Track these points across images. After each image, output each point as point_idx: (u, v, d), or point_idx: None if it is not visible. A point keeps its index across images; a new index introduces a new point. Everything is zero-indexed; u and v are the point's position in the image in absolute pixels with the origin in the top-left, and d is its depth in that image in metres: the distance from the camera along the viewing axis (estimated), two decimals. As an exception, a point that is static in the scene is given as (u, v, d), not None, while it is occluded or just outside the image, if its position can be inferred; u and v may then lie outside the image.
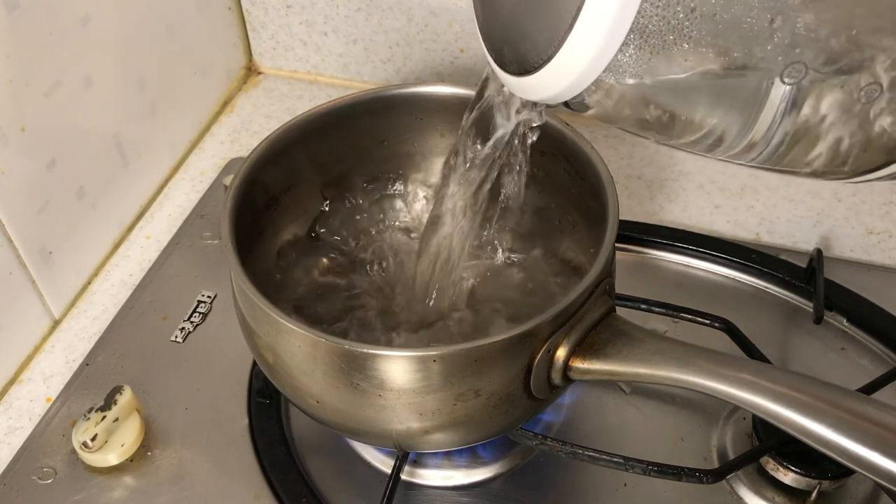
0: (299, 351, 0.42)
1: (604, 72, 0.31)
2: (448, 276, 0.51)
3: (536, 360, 0.41)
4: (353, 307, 0.53)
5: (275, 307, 0.42)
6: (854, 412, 0.37)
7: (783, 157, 0.34)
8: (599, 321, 0.43)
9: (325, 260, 0.55)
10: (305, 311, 0.52)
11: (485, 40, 0.38)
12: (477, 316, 0.52)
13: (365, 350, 0.40)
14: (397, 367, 0.40)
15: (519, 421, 0.45)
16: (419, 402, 0.41)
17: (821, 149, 0.33)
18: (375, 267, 0.55)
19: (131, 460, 0.52)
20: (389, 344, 0.50)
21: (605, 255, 0.43)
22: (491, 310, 0.52)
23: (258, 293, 0.42)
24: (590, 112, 0.35)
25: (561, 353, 0.41)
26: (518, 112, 0.43)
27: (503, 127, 0.44)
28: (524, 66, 0.34)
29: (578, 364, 0.42)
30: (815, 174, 0.35)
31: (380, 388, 0.41)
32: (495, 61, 0.37)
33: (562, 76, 0.32)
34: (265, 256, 0.52)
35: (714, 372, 0.40)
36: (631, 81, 0.31)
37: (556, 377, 0.42)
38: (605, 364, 0.42)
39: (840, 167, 0.34)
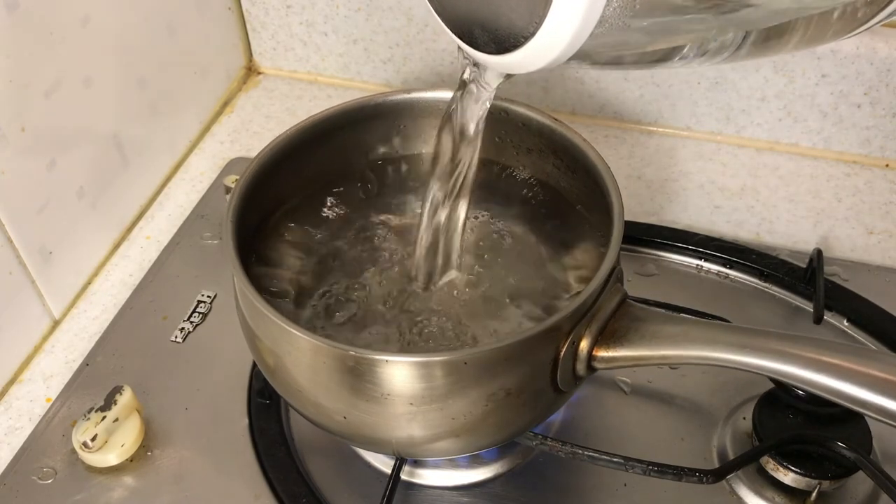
0: (310, 359, 0.42)
1: (593, 31, 0.30)
2: (448, 266, 0.51)
3: (562, 353, 0.42)
4: (358, 308, 0.53)
5: (279, 313, 0.41)
6: (886, 371, 0.38)
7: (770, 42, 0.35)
8: (616, 309, 0.43)
9: (327, 261, 0.55)
10: (308, 314, 0.52)
11: (448, 25, 0.37)
12: (487, 313, 0.52)
13: (420, 359, 0.41)
14: (425, 372, 0.40)
15: (544, 416, 0.46)
16: (450, 406, 0.41)
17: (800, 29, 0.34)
18: (378, 267, 0.55)
19: (131, 460, 0.52)
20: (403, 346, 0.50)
21: (615, 244, 0.43)
22: (497, 303, 0.52)
23: (261, 298, 0.42)
24: (578, 63, 0.34)
25: (584, 344, 0.42)
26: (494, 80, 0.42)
27: (484, 98, 0.43)
28: (505, 45, 0.33)
29: (603, 353, 0.42)
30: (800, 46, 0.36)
31: (408, 397, 0.41)
32: (468, 44, 0.36)
33: (552, 46, 0.31)
34: (267, 257, 0.52)
35: (742, 346, 0.40)
36: (619, 30, 0.31)
37: (581, 368, 0.43)
38: (630, 350, 0.42)
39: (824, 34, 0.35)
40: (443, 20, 0.38)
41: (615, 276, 0.43)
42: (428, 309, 0.52)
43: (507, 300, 0.52)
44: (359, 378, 0.41)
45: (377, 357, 0.40)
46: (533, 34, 0.31)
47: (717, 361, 0.41)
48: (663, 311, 0.44)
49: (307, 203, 0.54)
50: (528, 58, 0.33)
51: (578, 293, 0.42)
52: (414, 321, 0.52)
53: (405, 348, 0.50)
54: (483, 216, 0.54)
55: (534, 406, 0.43)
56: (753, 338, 0.41)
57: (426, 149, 0.55)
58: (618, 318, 0.43)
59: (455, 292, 0.52)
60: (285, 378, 0.44)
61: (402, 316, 0.52)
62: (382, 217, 0.57)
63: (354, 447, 0.52)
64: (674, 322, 0.43)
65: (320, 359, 0.41)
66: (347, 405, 0.42)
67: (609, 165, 0.47)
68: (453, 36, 0.37)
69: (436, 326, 0.51)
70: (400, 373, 0.40)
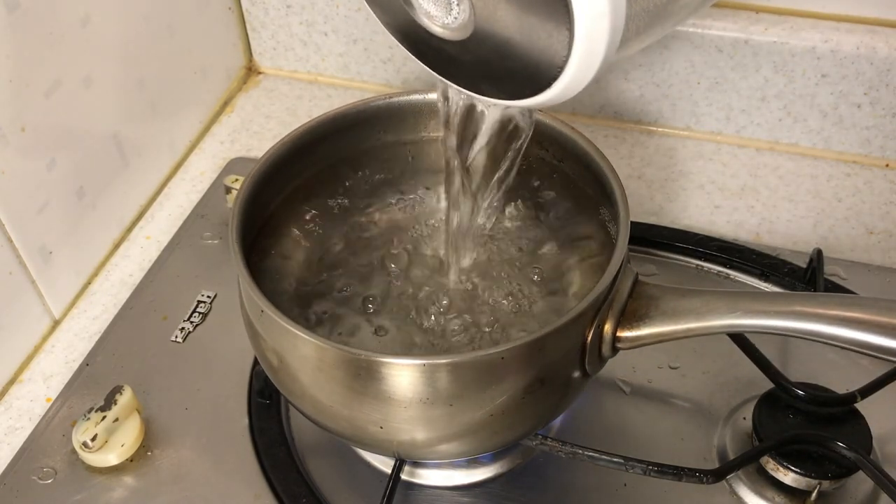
0: (317, 362, 0.42)
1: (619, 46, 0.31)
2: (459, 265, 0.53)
3: (588, 339, 0.42)
4: (365, 307, 0.53)
5: (283, 314, 0.41)
6: None
7: None
8: (633, 289, 0.44)
9: (332, 259, 0.55)
10: (313, 313, 0.52)
11: (457, 83, 0.38)
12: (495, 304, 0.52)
13: (458, 359, 0.41)
14: (466, 372, 0.40)
15: (571, 401, 0.47)
16: (487, 403, 0.41)
17: None
18: (385, 266, 0.55)
19: (131, 460, 0.52)
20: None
21: (625, 227, 0.44)
22: (505, 293, 0.53)
23: (265, 298, 0.42)
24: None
25: (608, 327, 0.43)
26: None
27: (489, 117, 0.44)
28: (535, 87, 0.34)
29: (626, 333, 0.43)
30: None
31: (451, 398, 0.41)
32: (480, 94, 0.37)
33: (580, 80, 0.32)
34: (271, 256, 0.52)
35: (766, 311, 0.41)
36: (645, 32, 0.31)
37: (606, 350, 0.44)
38: (653, 328, 0.43)
39: None
40: (453, 81, 0.38)
41: (626, 257, 0.44)
42: (436, 306, 0.53)
43: (515, 288, 0.53)
44: (376, 382, 0.41)
45: (417, 362, 0.40)
46: (556, 78, 0.32)
47: (742, 328, 0.42)
48: (676, 286, 0.44)
49: (311, 202, 0.54)
50: (563, 89, 0.33)
51: (597, 280, 0.43)
52: (423, 318, 0.52)
53: (421, 348, 0.51)
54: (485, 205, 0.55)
55: (565, 392, 0.44)
56: (775, 301, 0.42)
57: (431, 149, 0.55)
58: (635, 297, 0.44)
59: (464, 285, 0.53)
60: (290, 378, 0.44)
61: (410, 315, 0.52)
62: (388, 216, 0.57)
63: (354, 448, 0.52)
64: (692, 295, 0.43)
65: (327, 361, 0.41)
66: (383, 413, 0.42)
67: (601, 150, 0.48)
68: (466, 93, 0.38)
69: (448, 323, 0.52)
70: (434, 375, 0.40)
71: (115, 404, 0.51)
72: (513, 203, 0.55)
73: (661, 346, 0.45)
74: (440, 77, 0.39)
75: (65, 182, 0.59)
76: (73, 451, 0.51)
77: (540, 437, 0.48)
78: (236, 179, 0.64)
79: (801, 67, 0.67)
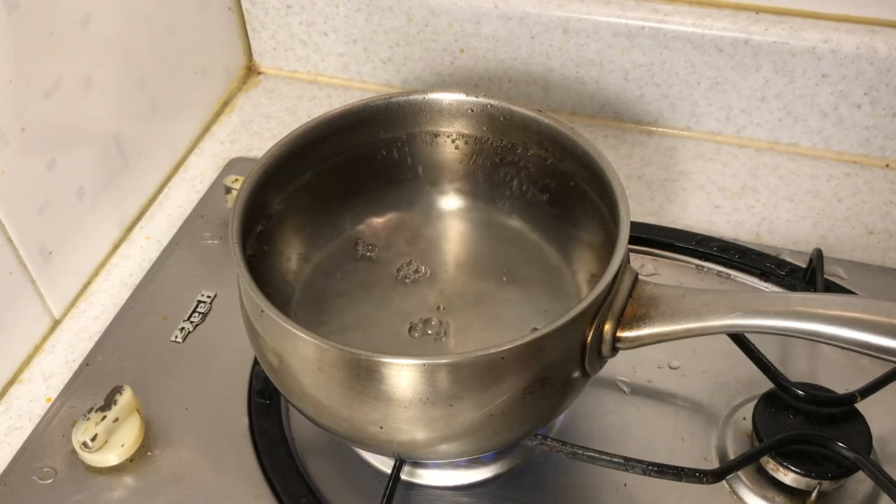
0: (317, 362, 0.42)
1: None
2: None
3: (589, 338, 0.42)
4: (363, 306, 0.53)
5: (284, 314, 0.41)
6: None
7: None
8: (633, 289, 0.44)
9: (332, 260, 0.55)
10: (313, 313, 0.52)
11: None
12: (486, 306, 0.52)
13: (460, 359, 0.41)
14: (466, 372, 0.40)
15: (571, 401, 0.46)
16: (487, 403, 0.41)
17: None
18: (383, 266, 0.55)
19: (131, 460, 0.52)
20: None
21: (625, 227, 0.44)
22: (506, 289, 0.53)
23: (265, 298, 0.42)
24: None
25: (608, 327, 0.43)
26: None
27: None
28: None
29: (627, 333, 0.43)
30: None
31: (452, 399, 0.41)
32: None
33: None
34: (271, 256, 0.52)
35: (766, 311, 0.41)
36: None
37: (606, 350, 0.44)
38: (653, 327, 0.43)
39: None
40: None
41: (626, 257, 0.44)
42: (434, 306, 0.53)
43: (514, 284, 0.53)
44: (377, 382, 0.40)
45: (417, 362, 0.40)
46: None
47: (742, 328, 0.42)
48: (676, 286, 0.45)
49: (311, 202, 0.54)
50: None
51: (597, 279, 0.43)
52: (418, 318, 0.52)
53: (421, 346, 0.51)
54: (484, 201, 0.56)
55: (565, 392, 0.44)
56: (775, 301, 0.42)
57: (431, 148, 0.55)
58: (635, 297, 0.44)
59: (464, 286, 0.53)
60: (290, 379, 0.44)
61: (407, 314, 0.52)
62: (389, 216, 0.57)
63: (354, 448, 0.52)
64: (692, 295, 0.43)
65: (327, 361, 0.41)
66: (383, 413, 0.42)
67: (601, 150, 0.48)
68: None
69: (445, 324, 0.52)
70: (434, 375, 0.40)
71: (115, 404, 0.51)
72: (512, 202, 0.55)
73: (661, 346, 0.45)
74: None
75: (65, 182, 0.59)
76: (73, 451, 0.51)
77: (540, 437, 0.48)
78: (236, 179, 0.64)
79: (801, 67, 0.67)
